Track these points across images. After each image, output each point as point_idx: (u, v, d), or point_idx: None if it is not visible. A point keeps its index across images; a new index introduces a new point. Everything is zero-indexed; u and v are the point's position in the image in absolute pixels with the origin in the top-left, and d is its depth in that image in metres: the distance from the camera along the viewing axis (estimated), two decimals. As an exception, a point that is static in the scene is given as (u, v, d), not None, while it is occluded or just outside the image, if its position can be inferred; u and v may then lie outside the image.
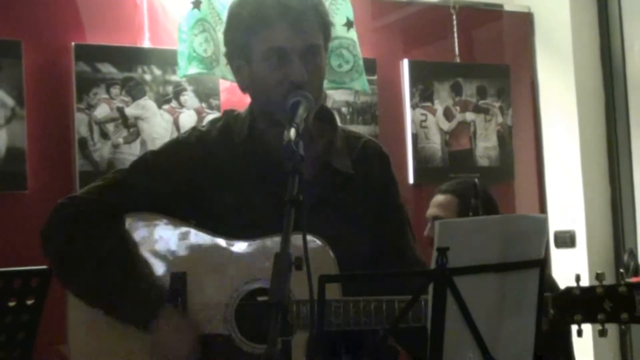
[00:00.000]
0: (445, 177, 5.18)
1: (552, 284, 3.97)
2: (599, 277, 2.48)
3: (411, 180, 5.24)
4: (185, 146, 2.76)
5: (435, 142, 5.34)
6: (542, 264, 2.10)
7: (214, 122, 2.83)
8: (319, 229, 2.52)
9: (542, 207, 5.67)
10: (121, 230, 2.67)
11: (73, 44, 4.37)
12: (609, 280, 2.54)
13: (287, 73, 2.58)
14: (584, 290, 2.49)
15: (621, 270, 2.48)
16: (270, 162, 2.64)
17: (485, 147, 5.51)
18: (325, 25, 2.68)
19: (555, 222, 5.57)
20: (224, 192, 2.67)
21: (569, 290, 2.49)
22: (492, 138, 5.53)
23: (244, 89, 2.75)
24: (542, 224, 2.15)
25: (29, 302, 2.59)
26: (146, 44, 4.56)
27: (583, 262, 5.47)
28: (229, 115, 2.82)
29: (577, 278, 2.51)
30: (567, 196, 5.63)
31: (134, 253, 2.65)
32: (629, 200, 5.64)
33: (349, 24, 4.69)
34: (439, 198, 4.18)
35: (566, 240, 5.55)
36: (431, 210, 4.15)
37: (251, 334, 2.58)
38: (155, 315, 2.57)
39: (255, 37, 2.62)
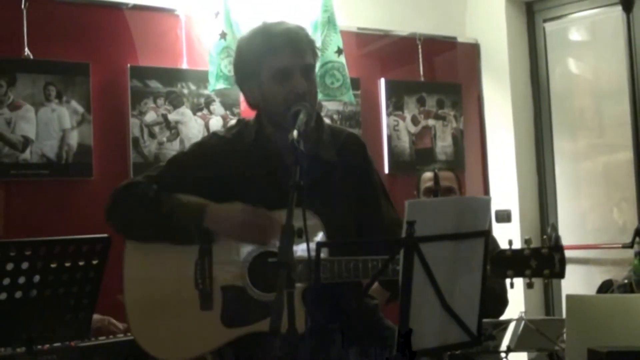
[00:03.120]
0: (413, 169, 5.18)
1: (494, 243, 3.95)
2: (527, 242, 2.46)
3: (386, 170, 5.20)
4: (206, 148, 2.73)
5: (404, 142, 5.30)
6: (487, 234, 2.08)
7: (230, 128, 2.80)
8: (311, 206, 2.46)
9: (486, 191, 5.65)
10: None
11: (129, 65, 4.35)
12: (535, 245, 2.52)
13: (292, 86, 2.55)
14: (514, 251, 2.47)
15: (544, 236, 2.46)
16: (277, 161, 2.62)
17: (443, 145, 5.47)
18: (314, 50, 2.67)
19: (496, 203, 5.53)
20: (239, 183, 2.63)
21: (502, 251, 2.47)
22: (448, 139, 5.49)
23: (253, 105, 2.72)
24: (487, 204, 2.13)
25: (94, 262, 2.59)
26: (184, 65, 4.53)
27: (517, 234, 5.44)
28: (242, 123, 2.78)
29: (510, 243, 2.49)
30: (505, 183, 5.61)
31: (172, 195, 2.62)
32: (552, 186, 5.63)
33: (339, 51, 4.67)
34: (446, 174, 4.08)
35: (504, 216, 5.50)
36: (444, 183, 4.02)
37: (261, 285, 2.56)
38: (204, 210, 2.55)
39: (265, 62, 2.59)
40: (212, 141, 2.74)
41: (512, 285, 2.45)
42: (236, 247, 2.58)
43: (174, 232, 2.57)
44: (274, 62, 2.57)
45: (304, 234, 2.03)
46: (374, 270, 2.38)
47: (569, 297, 2.67)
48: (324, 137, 2.72)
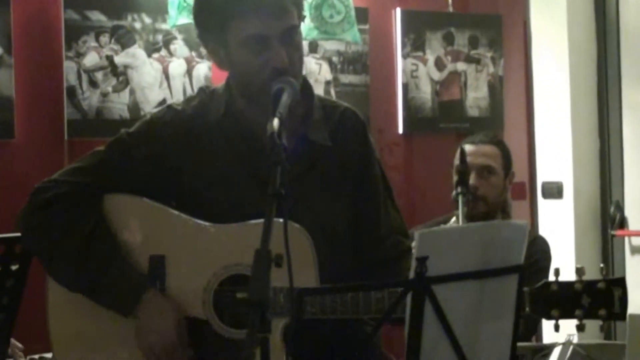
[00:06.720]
0: (436, 128, 5.20)
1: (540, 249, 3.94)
2: (578, 271, 2.47)
3: (401, 130, 5.18)
4: (160, 125, 2.69)
5: (425, 92, 5.31)
6: (521, 270, 2.09)
7: (188, 100, 2.77)
8: (298, 201, 2.44)
9: (531, 158, 5.67)
10: (100, 212, 2.64)
11: (63, -10, 4.33)
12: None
13: (269, 59, 2.52)
14: (562, 285, 2.48)
15: (601, 265, 2.47)
16: (250, 142, 2.62)
17: (476, 97, 5.48)
18: (298, 3, 2.61)
19: (543, 173, 5.57)
20: (203, 172, 2.64)
21: (546, 285, 2.49)
22: (482, 88, 5.50)
23: (220, 66, 2.70)
24: (523, 231, 2.12)
25: (13, 268, 2.60)
26: (136, -9, 4.51)
27: (569, 214, 5.49)
28: (204, 93, 2.75)
29: (557, 272, 2.50)
30: (556, 147, 5.63)
31: (114, 236, 2.63)
32: (617, 153, 5.64)
33: (341, -26, 4.65)
34: (485, 148, 3.98)
35: (553, 191, 5.55)
36: (480, 159, 3.92)
37: (229, 318, 2.57)
38: (138, 300, 2.56)
39: (231, 24, 2.54)
40: (166, 117, 2.72)
41: (557, 328, 2.47)
42: (197, 268, 2.59)
43: (96, 295, 2.61)
44: (243, 26, 2.53)
45: (283, 262, 2.03)
46: (378, 305, 2.39)
47: (632, 317, 2.70)
48: (313, 114, 2.71)
